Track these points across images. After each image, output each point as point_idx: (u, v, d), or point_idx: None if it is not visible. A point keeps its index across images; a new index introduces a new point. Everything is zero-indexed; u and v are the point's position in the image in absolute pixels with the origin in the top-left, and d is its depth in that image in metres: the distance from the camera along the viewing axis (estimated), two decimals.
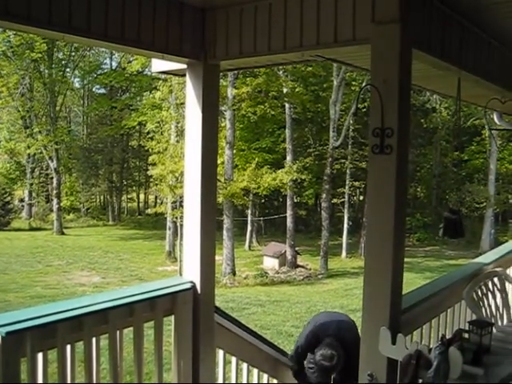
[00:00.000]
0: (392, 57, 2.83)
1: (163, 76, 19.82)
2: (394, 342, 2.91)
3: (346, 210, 28.88)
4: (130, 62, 32.44)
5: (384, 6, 2.88)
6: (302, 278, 23.57)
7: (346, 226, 27.94)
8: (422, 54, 3.19)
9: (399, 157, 2.84)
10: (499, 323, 4.58)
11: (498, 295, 4.77)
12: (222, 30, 3.58)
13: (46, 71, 33.93)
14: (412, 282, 12.51)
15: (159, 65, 4.01)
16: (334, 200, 29.55)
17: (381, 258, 2.95)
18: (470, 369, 2.86)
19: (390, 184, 2.86)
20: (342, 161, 29.45)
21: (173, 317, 3.70)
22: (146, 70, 30.78)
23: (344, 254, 28.21)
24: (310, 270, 25.09)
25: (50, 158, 34.29)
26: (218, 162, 21.17)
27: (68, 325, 2.92)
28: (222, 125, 22.77)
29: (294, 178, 25.63)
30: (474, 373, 2.86)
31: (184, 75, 3.83)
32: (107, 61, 41.83)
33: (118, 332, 3.23)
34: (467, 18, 3.70)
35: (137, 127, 36.09)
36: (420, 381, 2.87)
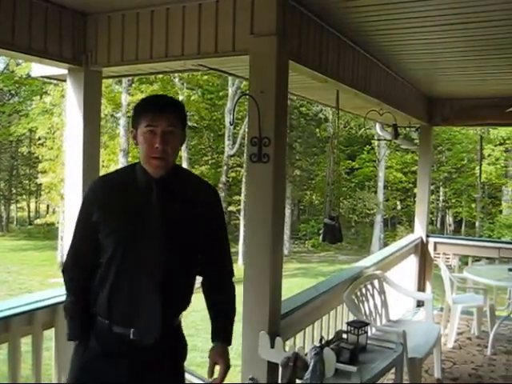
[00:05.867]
0: (269, 68, 2.90)
1: (55, 81, 19.10)
2: (273, 346, 2.99)
3: (242, 218, 29.08)
4: (18, 64, 30.92)
5: (262, 19, 2.96)
6: (197, 285, 23.38)
7: (242, 233, 28.12)
8: (300, 66, 3.32)
9: (276, 165, 2.92)
10: (378, 323, 4.83)
11: (378, 296, 5.03)
12: (104, 35, 3.53)
13: None
14: (306, 286, 12.78)
15: (40, 69, 3.89)
16: (231, 207, 29.73)
17: (259, 265, 3.01)
18: (345, 367, 2.99)
19: (268, 191, 2.93)
20: (238, 169, 29.74)
21: (53, 330, 3.57)
22: None
23: (240, 261, 28.33)
24: None
25: None
26: (112, 169, 20.75)
27: None
28: (117, 132, 22.23)
29: None
30: (349, 370, 2.99)
31: (65, 81, 3.73)
32: None
33: None
34: (344, 34, 3.89)
35: (27, 133, 34.38)
36: (298, 381, 2.96)
